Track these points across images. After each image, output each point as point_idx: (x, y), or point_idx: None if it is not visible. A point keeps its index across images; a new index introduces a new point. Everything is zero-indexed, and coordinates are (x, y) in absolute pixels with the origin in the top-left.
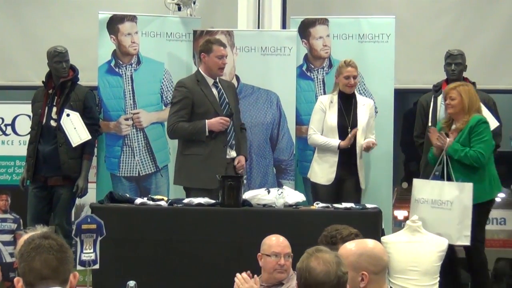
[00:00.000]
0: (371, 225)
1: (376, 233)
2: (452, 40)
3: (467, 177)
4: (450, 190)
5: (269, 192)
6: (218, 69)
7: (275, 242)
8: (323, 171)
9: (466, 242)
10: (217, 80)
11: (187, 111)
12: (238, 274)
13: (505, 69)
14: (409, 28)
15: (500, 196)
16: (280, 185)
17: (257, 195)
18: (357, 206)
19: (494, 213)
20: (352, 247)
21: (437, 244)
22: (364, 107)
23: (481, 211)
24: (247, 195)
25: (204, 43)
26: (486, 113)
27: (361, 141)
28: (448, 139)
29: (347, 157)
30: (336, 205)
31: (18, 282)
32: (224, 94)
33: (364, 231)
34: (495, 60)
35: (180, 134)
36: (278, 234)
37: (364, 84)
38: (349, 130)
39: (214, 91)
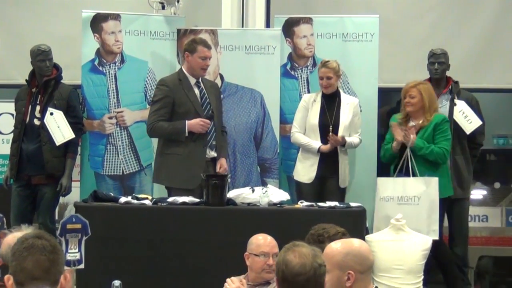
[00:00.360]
0: (355, 224)
1: (360, 231)
2: (435, 39)
3: (431, 172)
4: (416, 185)
5: (253, 191)
6: (200, 70)
7: (263, 242)
8: (304, 169)
9: (435, 236)
10: (200, 80)
11: (167, 110)
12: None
13: (488, 68)
14: (393, 27)
15: (482, 194)
16: (264, 184)
17: (241, 194)
18: (341, 205)
19: (476, 210)
20: (338, 247)
21: (421, 242)
22: (347, 106)
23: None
24: (231, 194)
25: (189, 43)
26: (469, 112)
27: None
28: (412, 135)
29: (329, 156)
30: (320, 204)
31: (9, 280)
32: (206, 94)
33: (348, 230)
34: (478, 59)
35: (159, 133)
36: (265, 234)
37: (348, 83)
38: (331, 128)
39: (196, 90)
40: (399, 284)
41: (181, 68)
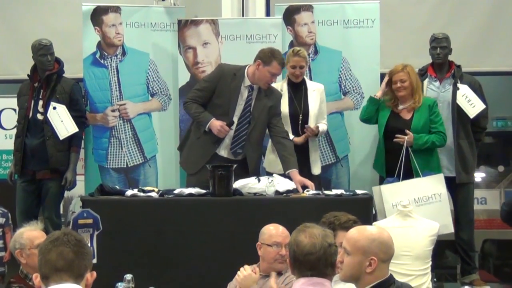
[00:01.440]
0: (362, 211)
1: (368, 218)
2: (436, 23)
3: (427, 163)
4: (433, 183)
5: (259, 180)
6: (264, 83)
7: (276, 232)
8: (276, 160)
9: (450, 229)
10: (255, 87)
11: (206, 94)
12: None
13: (489, 51)
14: (393, 12)
15: (480, 176)
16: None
17: (247, 184)
18: (348, 193)
19: (475, 193)
20: (364, 232)
21: (429, 228)
22: (314, 93)
23: None
24: (237, 184)
25: (268, 54)
26: (472, 95)
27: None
28: (405, 136)
29: (299, 145)
30: (326, 192)
31: (36, 277)
32: (252, 102)
33: (356, 217)
34: (480, 43)
35: (187, 113)
36: (277, 224)
37: (350, 70)
38: (300, 117)
39: (244, 93)
40: (407, 270)
41: (245, 66)
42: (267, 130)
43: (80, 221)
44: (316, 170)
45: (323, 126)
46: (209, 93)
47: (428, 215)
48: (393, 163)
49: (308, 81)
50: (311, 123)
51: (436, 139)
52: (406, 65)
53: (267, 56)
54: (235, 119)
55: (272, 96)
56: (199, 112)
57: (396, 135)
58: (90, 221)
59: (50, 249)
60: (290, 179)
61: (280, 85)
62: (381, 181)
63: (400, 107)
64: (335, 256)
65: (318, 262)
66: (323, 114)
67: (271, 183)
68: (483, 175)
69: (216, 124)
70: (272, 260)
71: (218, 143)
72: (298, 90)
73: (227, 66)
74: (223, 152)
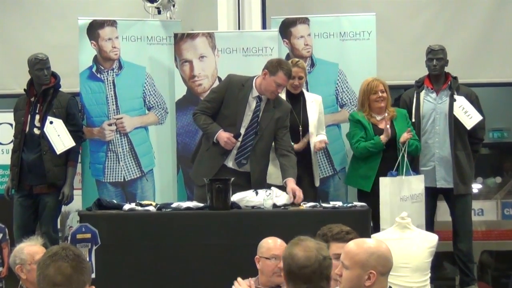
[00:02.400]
0: (359, 223)
1: (366, 231)
2: (432, 35)
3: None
4: (417, 182)
5: (257, 193)
6: (270, 93)
7: (274, 245)
8: (277, 172)
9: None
10: (263, 97)
11: (214, 105)
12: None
13: (486, 63)
14: (389, 24)
15: (477, 187)
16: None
17: (245, 197)
18: (345, 205)
19: (472, 204)
20: (362, 245)
21: (427, 240)
22: (312, 104)
23: None
24: (235, 197)
25: (274, 64)
26: (469, 107)
27: (313, 139)
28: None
29: (301, 156)
30: (324, 204)
31: None
32: (260, 113)
33: (354, 229)
34: (476, 54)
35: (196, 124)
36: (274, 237)
37: (347, 82)
38: (300, 129)
39: (252, 104)
40: (406, 282)
41: (253, 77)
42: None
43: (79, 236)
44: (317, 182)
45: (324, 138)
46: (217, 104)
47: (416, 213)
48: (386, 171)
49: (306, 92)
50: (311, 134)
51: (419, 146)
52: (378, 78)
53: (273, 66)
54: (243, 130)
55: (280, 108)
56: (207, 124)
57: (402, 136)
58: (88, 235)
59: (48, 264)
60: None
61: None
62: (360, 195)
63: (378, 117)
64: (330, 268)
65: (313, 275)
66: (322, 125)
67: (269, 196)
68: (480, 186)
69: (223, 136)
70: (271, 273)
71: (226, 154)
72: (296, 101)
73: (235, 77)
74: (230, 163)
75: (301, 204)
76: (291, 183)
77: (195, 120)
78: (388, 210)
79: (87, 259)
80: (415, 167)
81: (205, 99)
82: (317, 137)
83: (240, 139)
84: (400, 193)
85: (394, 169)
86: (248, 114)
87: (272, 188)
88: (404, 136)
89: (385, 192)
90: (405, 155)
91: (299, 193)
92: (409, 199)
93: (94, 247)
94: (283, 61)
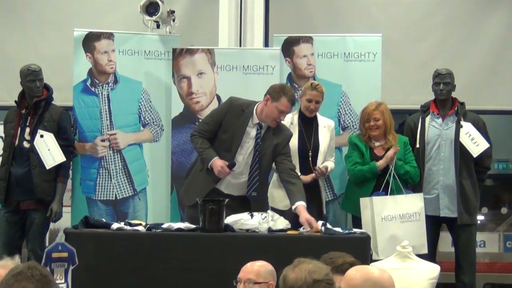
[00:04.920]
0: (359, 251)
1: (365, 258)
2: (439, 60)
3: (406, 189)
4: (414, 201)
5: (252, 216)
6: (272, 120)
7: (243, 268)
8: (280, 195)
9: (425, 250)
10: (264, 125)
11: (213, 128)
12: None
13: (494, 89)
14: (396, 47)
15: (479, 219)
16: None
17: (239, 220)
18: (344, 231)
19: None
20: (358, 271)
21: (429, 271)
22: (325, 129)
23: None
24: (229, 219)
25: (278, 89)
26: (476, 134)
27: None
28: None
29: (311, 185)
30: (329, 227)
31: None
32: (259, 141)
33: (354, 259)
34: (484, 80)
35: (193, 146)
36: (261, 261)
37: (350, 104)
38: (310, 154)
39: (251, 132)
40: None
41: (255, 103)
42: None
43: (54, 255)
44: (325, 210)
45: (331, 165)
46: (215, 127)
47: (409, 232)
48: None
49: (319, 116)
50: (320, 160)
51: (413, 173)
52: (380, 103)
53: (276, 92)
54: (240, 158)
55: (280, 134)
56: (203, 148)
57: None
58: (65, 254)
59: (11, 284)
60: (297, 215)
61: (291, 117)
62: (354, 221)
63: (376, 144)
64: None
65: None
66: (331, 151)
67: (264, 220)
68: (482, 218)
69: (217, 164)
70: None
71: (219, 179)
72: (309, 125)
73: (236, 101)
74: (223, 187)
75: (299, 229)
76: (303, 212)
77: (192, 142)
78: (369, 230)
79: (63, 280)
80: None
81: (203, 121)
82: (324, 163)
83: (234, 169)
84: (382, 213)
85: (382, 189)
86: (246, 142)
87: (268, 211)
88: (388, 153)
89: (366, 213)
90: (392, 174)
91: (315, 224)
92: (397, 218)
93: (71, 267)
94: (287, 87)
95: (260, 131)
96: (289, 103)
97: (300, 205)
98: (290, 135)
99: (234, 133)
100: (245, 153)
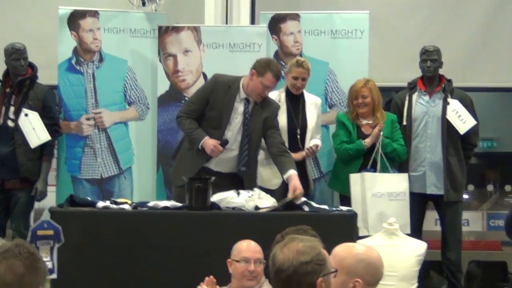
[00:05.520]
0: (345, 228)
1: (351, 236)
2: (427, 36)
3: (393, 169)
4: (400, 181)
5: (239, 194)
6: (257, 95)
7: (246, 247)
8: (268, 174)
9: (408, 230)
10: (252, 100)
11: (200, 107)
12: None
13: (481, 67)
14: (383, 24)
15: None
16: None
17: (226, 198)
18: (331, 209)
19: None
20: (352, 250)
21: (415, 248)
22: (312, 106)
23: None
24: (215, 197)
25: (263, 65)
26: (463, 111)
27: (307, 144)
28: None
29: (298, 164)
30: (309, 207)
31: None
32: (248, 116)
33: (339, 235)
34: (471, 58)
35: (180, 128)
36: (250, 240)
37: (337, 82)
38: (298, 131)
39: (239, 107)
40: None
41: (240, 78)
42: None
43: (40, 232)
44: (312, 189)
45: (319, 142)
46: (202, 106)
47: (395, 211)
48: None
49: (306, 94)
50: (308, 138)
51: (400, 151)
52: (369, 80)
53: (262, 67)
54: (229, 134)
55: (268, 108)
56: (192, 129)
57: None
58: (50, 232)
59: None
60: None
61: (278, 94)
62: (342, 199)
63: (364, 122)
64: (313, 275)
65: (288, 282)
66: (318, 129)
67: (251, 198)
68: (466, 197)
69: (209, 143)
70: (241, 276)
71: (209, 157)
72: (296, 102)
73: (221, 77)
74: (213, 165)
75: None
76: (294, 179)
77: (180, 124)
78: (359, 206)
79: (49, 258)
80: (404, 171)
81: (189, 101)
82: (311, 141)
83: (227, 146)
84: (373, 189)
85: (369, 166)
86: (235, 118)
87: (255, 189)
88: (374, 131)
89: (356, 189)
90: (380, 152)
91: (300, 192)
92: (385, 196)
93: (57, 245)
94: (273, 62)
95: (247, 105)
96: (274, 79)
97: (293, 173)
98: (278, 108)
99: (222, 110)
100: (234, 129)
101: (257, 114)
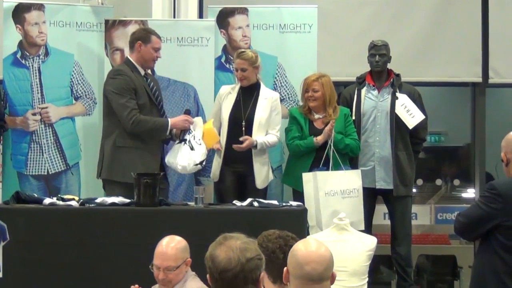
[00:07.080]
0: (295, 224)
1: (302, 231)
2: (376, 31)
3: (345, 165)
4: (353, 177)
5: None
6: (152, 61)
7: (158, 253)
8: (214, 166)
9: (363, 226)
10: (146, 72)
11: (135, 101)
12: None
13: (430, 61)
14: (331, 19)
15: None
16: (198, 183)
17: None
18: (282, 204)
19: None
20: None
21: (366, 243)
22: (265, 100)
23: None
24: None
25: (142, 31)
26: (411, 106)
27: (254, 139)
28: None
29: (244, 154)
30: (260, 202)
31: None
32: (155, 86)
33: (289, 229)
34: (420, 52)
35: (142, 129)
36: (174, 236)
37: (286, 76)
38: (243, 124)
39: (143, 81)
40: (343, 287)
41: (127, 59)
42: None
43: None
44: (260, 183)
45: (269, 138)
46: (135, 99)
47: (348, 208)
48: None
49: (263, 88)
50: (255, 133)
51: (353, 146)
52: (323, 75)
53: (143, 35)
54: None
55: (156, 82)
56: (152, 120)
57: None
58: None
59: None
60: None
61: (233, 86)
62: (295, 194)
63: (316, 116)
64: (256, 271)
65: (235, 280)
66: (273, 124)
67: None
68: (415, 190)
69: (178, 120)
70: (157, 280)
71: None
72: (249, 95)
73: (120, 67)
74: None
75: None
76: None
77: (139, 125)
78: (313, 205)
79: None
80: (354, 166)
81: (124, 102)
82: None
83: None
84: (325, 188)
85: (322, 163)
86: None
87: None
88: (326, 129)
89: (309, 188)
90: (332, 149)
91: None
92: (338, 194)
93: (2, 243)
94: (146, 27)
95: (149, 79)
96: (159, 38)
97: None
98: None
99: (146, 91)
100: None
101: (159, 88)
